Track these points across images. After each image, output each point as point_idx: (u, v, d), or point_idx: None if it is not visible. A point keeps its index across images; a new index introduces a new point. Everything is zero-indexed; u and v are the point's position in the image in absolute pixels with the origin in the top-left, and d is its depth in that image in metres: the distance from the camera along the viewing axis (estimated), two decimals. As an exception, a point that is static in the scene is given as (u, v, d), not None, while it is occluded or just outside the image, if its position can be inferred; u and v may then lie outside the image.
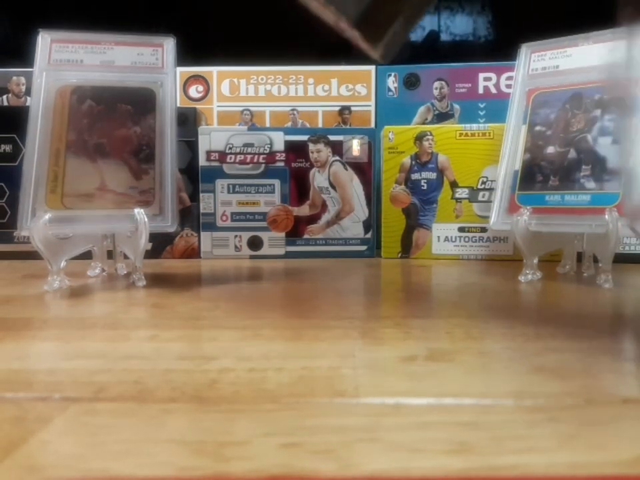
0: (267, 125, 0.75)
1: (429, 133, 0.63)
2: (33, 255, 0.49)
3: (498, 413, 0.18)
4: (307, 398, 0.19)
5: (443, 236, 0.64)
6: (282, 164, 0.66)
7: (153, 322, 0.32)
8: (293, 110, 0.75)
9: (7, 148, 0.65)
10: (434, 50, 1.04)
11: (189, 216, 0.67)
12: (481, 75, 0.70)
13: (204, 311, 0.36)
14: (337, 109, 0.75)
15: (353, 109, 0.75)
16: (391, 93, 0.72)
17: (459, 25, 1.05)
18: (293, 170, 0.66)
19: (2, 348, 0.27)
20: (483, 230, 0.63)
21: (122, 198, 0.46)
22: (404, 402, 0.19)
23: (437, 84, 0.70)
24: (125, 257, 0.50)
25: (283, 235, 0.66)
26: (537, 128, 0.49)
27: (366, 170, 0.66)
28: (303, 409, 0.19)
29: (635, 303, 0.38)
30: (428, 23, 1.04)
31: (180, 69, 0.72)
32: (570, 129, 0.47)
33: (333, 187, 0.66)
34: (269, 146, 0.65)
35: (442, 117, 0.70)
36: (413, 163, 0.64)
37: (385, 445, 0.16)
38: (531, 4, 0.94)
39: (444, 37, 1.05)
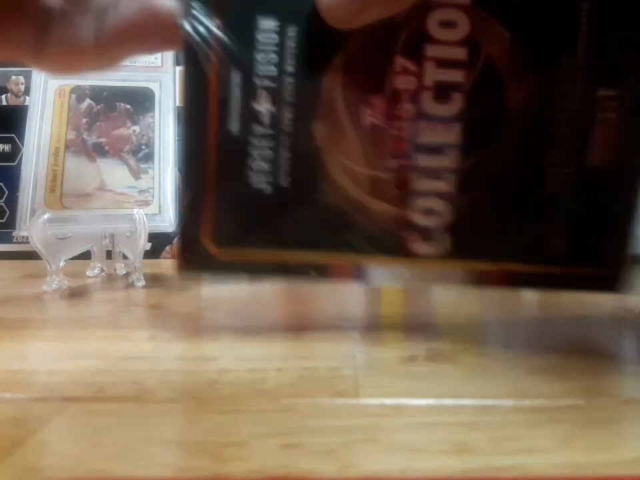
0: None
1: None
2: (31, 255, 0.49)
3: (498, 414, 0.18)
4: (307, 398, 0.19)
5: (442, 236, 0.64)
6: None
7: (152, 322, 0.32)
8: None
9: (6, 147, 0.65)
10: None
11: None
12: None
13: (203, 311, 0.36)
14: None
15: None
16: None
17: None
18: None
19: (0, 348, 0.26)
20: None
21: (121, 198, 0.46)
22: (404, 402, 0.19)
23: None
24: (124, 257, 0.50)
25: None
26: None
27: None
28: (303, 409, 0.18)
29: (636, 303, 0.38)
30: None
31: (179, 68, 0.72)
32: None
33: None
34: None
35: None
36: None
37: (385, 445, 0.16)
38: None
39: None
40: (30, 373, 0.23)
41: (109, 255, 0.52)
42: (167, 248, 0.66)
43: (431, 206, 0.23)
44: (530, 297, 0.41)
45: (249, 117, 0.22)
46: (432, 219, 0.23)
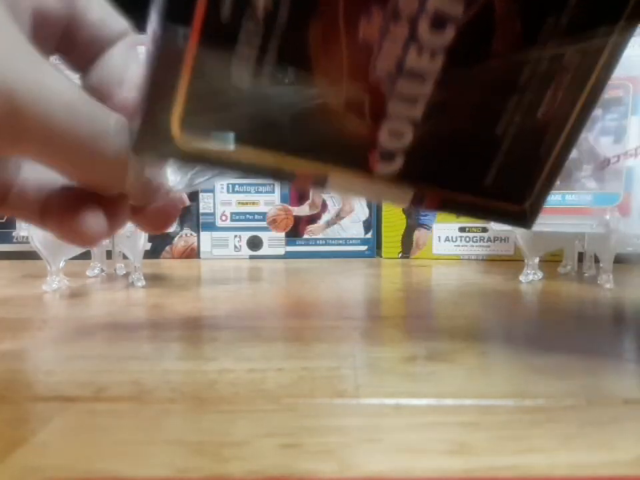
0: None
1: (428, 133, 0.63)
2: (32, 255, 0.49)
3: (498, 414, 0.18)
4: (306, 398, 0.19)
5: (443, 236, 0.64)
6: (282, 164, 0.65)
7: (152, 322, 0.32)
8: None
9: (7, 148, 0.65)
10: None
11: (189, 216, 0.67)
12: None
13: (203, 311, 0.36)
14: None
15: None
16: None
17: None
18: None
19: (1, 348, 0.26)
20: (484, 230, 0.63)
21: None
22: (404, 402, 0.19)
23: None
24: (124, 257, 0.50)
25: (282, 234, 0.66)
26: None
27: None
28: (303, 409, 0.18)
29: (636, 303, 0.38)
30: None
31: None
32: (570, 129, 0.47)
33: (333, 187, 0.66)
34: (269, 146, 0.65)
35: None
36: (413, 162, 0.64)
37: (385, 445, 0.16)
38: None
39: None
40: (30, 372, 0.23)
41: (109, 254, 0.52)
42: (167, 248, 0.67)
43: (398, 129, 0.24)
44: (530, 296, 0.41)
45: (242, 8, 0.20)
46: (395, 141, 0.24)
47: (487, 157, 0.26)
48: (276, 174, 0.24)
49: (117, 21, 0.21)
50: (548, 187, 0.27)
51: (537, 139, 0.26)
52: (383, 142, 0.24)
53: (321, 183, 0.24)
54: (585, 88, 0.25)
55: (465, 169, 0.26)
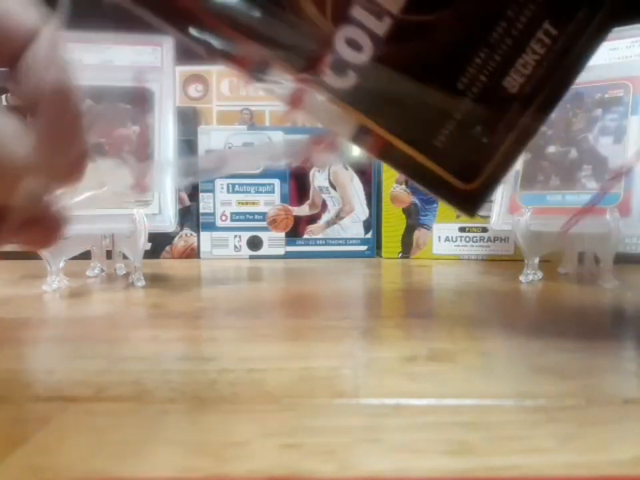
0: (267, 124, 0.75)
1: (428, 133, 0.63)
2: (32, 255, 0.49)
3: (498, 414, 0.18)
4: (306, 398, 0.19)
5: (443, 236, 0.64)
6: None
7: (152, 322, 0.32)
8: (292, 109, 0.75)
9: (7, 148, 0.65)
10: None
11: (189, 216, 0.67)
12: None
13: (203, 311, 0.36)
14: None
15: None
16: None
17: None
18: (293, 169, 0.66)
19: (1, 348, 0.26)
20: (484, 230, 0.63)
21: (121, 198, 0.46)
22: (404, 402, 0.19)
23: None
24: (124, 257, 0.50)
25: (282, 235, 0.66)
26: (537, 127, 0.49)
27: (366, 169, 0.66)
28: (303, 409, 0.18)
29: (636, 303, 0.38)
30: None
31: (179, 68, 0.72)
32: (571, 129, 0.47)
33: (333, 187, 0.66)
34: (269, 146, 0.65)
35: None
36: (413, 162, 0.64)
37: (385, 445, 0.16)
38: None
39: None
40: (30, 372, 0.23)
41: (109, 254, 0.52)
42: (167, 248, 0.67)
43: (356, 39, 0.23)
44: (530, 296, 0.41)
45: None
46: (351, 53, 0.23)
47: (444, 111, 0.24)
48: (215, 49, 0.22)
49: (29, 15, 0.18)
50: (497, 176, 0.25)
51: (497, 113, 0.24)
52: (339, 48, 0.23)
53: (262, 71, 0.23)
54: (555, 72, 0.23)
55: (418, 118, 0.24)
